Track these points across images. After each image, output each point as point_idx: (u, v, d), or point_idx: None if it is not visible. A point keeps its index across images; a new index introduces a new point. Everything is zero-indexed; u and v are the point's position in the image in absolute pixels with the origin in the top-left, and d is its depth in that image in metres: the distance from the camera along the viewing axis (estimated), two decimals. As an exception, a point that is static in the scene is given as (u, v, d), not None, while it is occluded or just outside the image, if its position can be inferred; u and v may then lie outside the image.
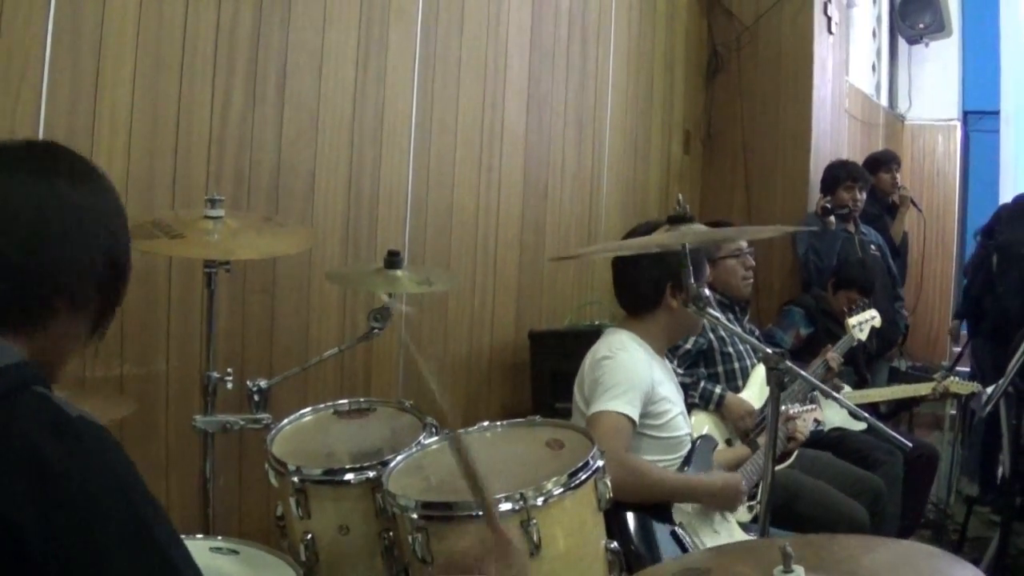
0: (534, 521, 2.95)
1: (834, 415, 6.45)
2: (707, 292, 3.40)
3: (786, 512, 4.91)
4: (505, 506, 2.94)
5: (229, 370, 3.86)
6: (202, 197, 3.78)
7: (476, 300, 6.17)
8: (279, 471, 3.54)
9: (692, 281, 3.35)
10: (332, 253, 5.12)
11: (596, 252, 6.40)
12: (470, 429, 3.52)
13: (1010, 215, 8.69)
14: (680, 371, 5.43)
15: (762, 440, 4.93)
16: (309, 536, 3.47)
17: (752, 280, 6.36)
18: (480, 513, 2.93)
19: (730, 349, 5.76)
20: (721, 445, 5.16)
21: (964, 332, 9.51)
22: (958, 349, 9.51)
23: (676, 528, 4.12)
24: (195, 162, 4.45)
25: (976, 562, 6.33)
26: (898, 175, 9.47)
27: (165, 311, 4.36)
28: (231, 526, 4.27)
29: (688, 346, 5.59)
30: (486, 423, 3.55)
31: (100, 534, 1.75)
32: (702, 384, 5.44)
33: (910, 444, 3.99)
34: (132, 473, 1.86)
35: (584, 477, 3.09)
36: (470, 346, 6.13)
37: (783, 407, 5.09)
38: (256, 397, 3.90)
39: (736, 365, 5.75)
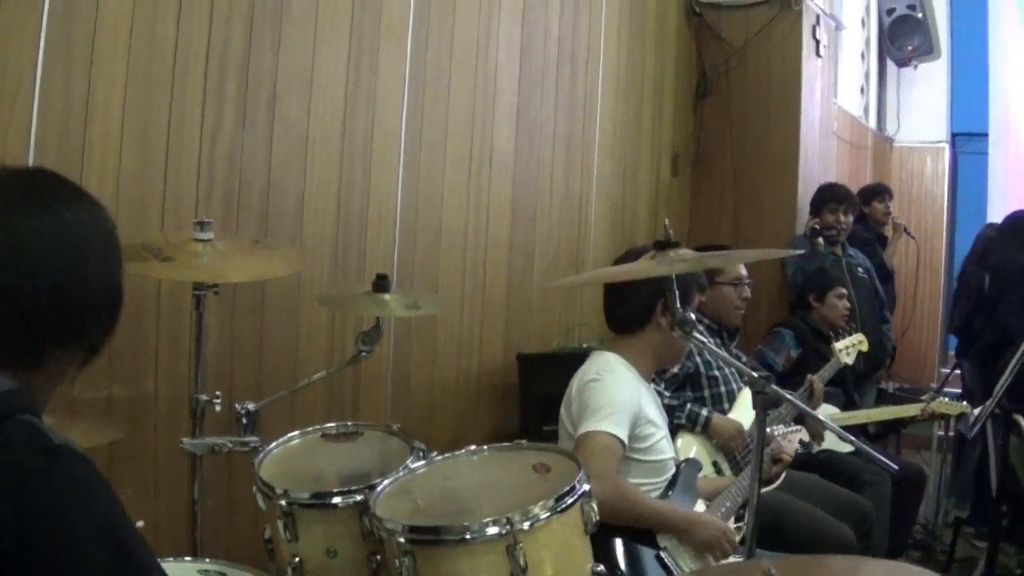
0: (520, 545, 2.95)
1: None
2: (692, 316, 3.41)
3: (773, 534, 4.92)
4: (492, 530, 2.96)
5: (217, 392, 3.87)
6: (192, 219, 3.78)
7: (464, 323, 6.18)
8: (267, 494, 3.54)
9: (678, 305, 3.37)
10: (321, 275, 5.13)
11: (587, 280, 6.44)
12: (457, 453, 3.54)
13: (1002, 236, 8.72)
14: (667, 394, 5.44)
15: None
16: (297, 559, 3.48)
17: (744, 310, 6.39)
18: (468, 537, 2.95)
19: (716, 373, 5.76)
20: (708, 469, 5.18)
21: (952, 352, 9.55)
22: (947, 370, 9.55)
23: (661, 552, 4.13)
24: (185, 184, 4.46)
25: (964, 583, 6.38)
26: (891, 205, 9.55)
27: (154, 334, 4.36)
28: (220, 548, 4.26)
29: (675, 370, 5.58)
30: (473, 447, 3.56)
31: (80, 559, 1.77)
32: (688, 406, 5.44)
33: (896, 467, 4.00)
34: (114, 502, 1.87)
35: (571, 501, 3.09)
36: (458, 369, 6.14)
37: (768, 429, 5.11)
38: (244, 420, 3.90)
39: (722, 389, 5.76)
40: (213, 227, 3.74)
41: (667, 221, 3.41)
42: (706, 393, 5.74)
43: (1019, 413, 6.14)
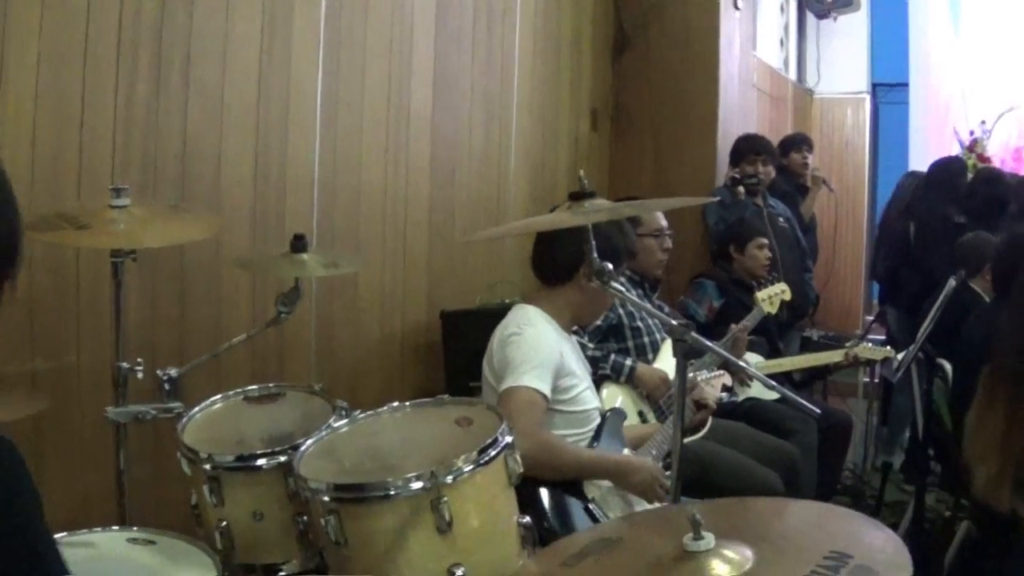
0: (445, 499, 2.97)
1: (749, 386, 6.52)
2: (610, 266, 3.41)
3: (700, 482, 4.96)
4: (416, 485, 2.97)
5: (139, 360, 3.84)
6: (108, 187, 3.76)
7: (387, 282, 6.17)
8: (191, 459, 3.55)
9: (595, 255, 3.38)
10: (240, 239, 5.10)
11: (504, 232, 6.45)
12: (379, 410, 3.54)
13: (927, 186, 8.83)
14: (591, 346, 5.46)
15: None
16: (224, 523, 3.49)
17: (665, 262, 6.43)
18: (393, 492, 2.96)
19: (639, 324, 5.79)
20: (633, 418, 5.21)
21: (875, 301, 9.64)
22: (871, 318, 9.63)
23: (589, 504, 4.16)
24: (101, 152, 4.40)
25: (894, 527, 6.45)
26: (809, 156, 9.58)
27: (75, 303, 4.33)
28: (149, 517, 4.23)
29: (598, 322, 5.59)
30: (395, 404, 3.56)
31: (35, 535, 1.75)
32: (612, 357, 5.46)
33: (818, 411, 4.04)
34: (28, 492, 1.85)
35: (494, 453, 3.10)
36: (382, 329, 6.14)
37: (690, 375, 5.15)
38: (167, 386, 3.89)
39: (646, 339, 5.78)
40: (129, 193, 3.71)
41: (582, 172, 3.41)
42: (630, 344, 5.76)
43: (942, 358, 6.22)
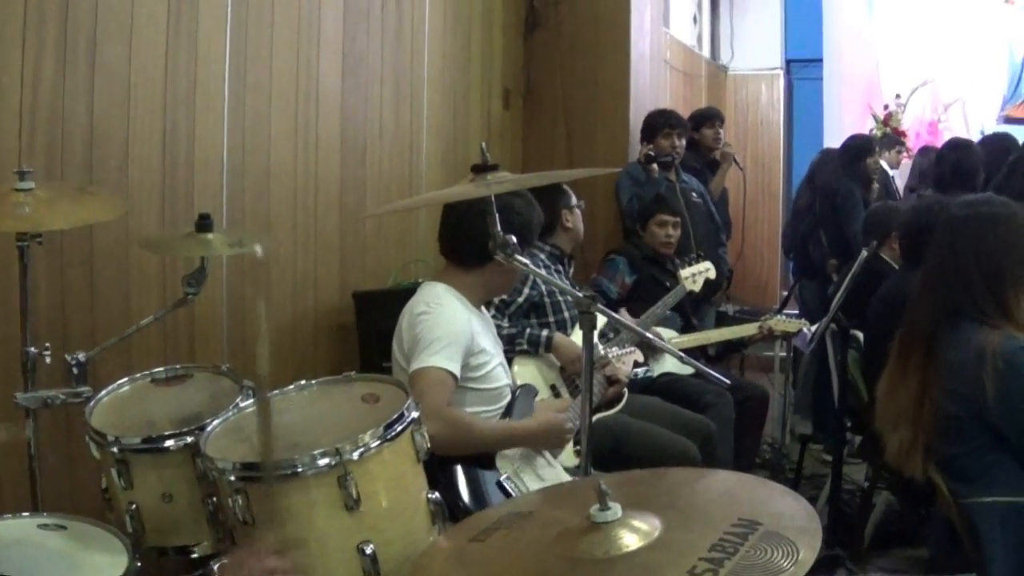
0: (351, 475, 2.97)
1: (664, 361, 6.55)
2: (514, 239, 3.41)
3: (615, 456, 5.00)
4: (322, 462, 2.97)
5: (47, 345, 3.82)
6: (13, 170, 3.73)
7: (298, 263, 6.14)
8: (99, 443, 3.52)
9: (498, 228, 3.38)
10: (149, 222, 5.04)
11: (403, 206, 6.46)
12: (286, 389, 3.53)
13: (838, 162, 8.97)
14: (505, 324, 5.46)
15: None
16: (133, 506, 3.47)
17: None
18: (300, 470, 2.96)
19: (560, 298, 5.79)
20: (545, 393, 5.22)
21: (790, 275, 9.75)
22: (786, 292, 9.74)
23: (502, 479, 4.17)
24: (6, 136, 4.35)
25: (813, 499, 6.51)
26: (721, 131, 9.60)
27: (-17, 290, 4.30)
28: (64, 503, 4.22)
29: (520, 300, 5.62)
30: (302, 382, 3.55)
31: None
32: (528, 331, 5.46)
33: (728, 381, 4.07)
34: None
35: (400, 429, 3.11)
36: (294, 310, 6.11)
37: (602, 352, 5.18)
38: (75, 370, 3.87)
39: (567, 314, 5.79)
40: (34, 176, 3.68)
41: (484, 144, 3.41)
42: (551, 319, 5.77)
43: (855, 328, 6.29)
